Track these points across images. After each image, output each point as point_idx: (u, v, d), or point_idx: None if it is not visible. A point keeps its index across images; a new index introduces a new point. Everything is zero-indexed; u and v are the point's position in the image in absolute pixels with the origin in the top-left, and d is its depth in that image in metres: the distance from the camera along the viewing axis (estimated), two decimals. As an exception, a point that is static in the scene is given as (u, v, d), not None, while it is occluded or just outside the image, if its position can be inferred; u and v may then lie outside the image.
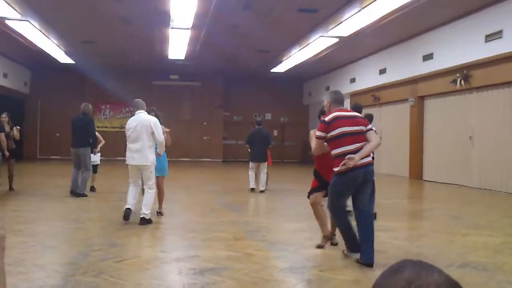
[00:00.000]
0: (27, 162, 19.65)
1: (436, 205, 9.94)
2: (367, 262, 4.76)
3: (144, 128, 6.88)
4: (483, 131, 12.19)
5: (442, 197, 11.33)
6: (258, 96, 23.98)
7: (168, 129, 7.80)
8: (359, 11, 11.20)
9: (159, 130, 6.97)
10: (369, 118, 8.11)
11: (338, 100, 5.12)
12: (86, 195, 9.60)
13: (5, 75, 18.92)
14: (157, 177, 7.31)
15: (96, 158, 10.39)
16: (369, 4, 10.66)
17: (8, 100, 19.23)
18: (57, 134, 21.90)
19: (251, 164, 11.20)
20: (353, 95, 19.25)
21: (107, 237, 6.16)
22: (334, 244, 5.53)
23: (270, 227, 6.97)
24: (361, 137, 4.86)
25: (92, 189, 10.25)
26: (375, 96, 17.29)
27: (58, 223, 7.06)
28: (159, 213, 7.61)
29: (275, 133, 24.02)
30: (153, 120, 7.02)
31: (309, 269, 4.74)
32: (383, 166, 17.13)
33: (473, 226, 7.24)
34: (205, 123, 23.99)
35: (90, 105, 10.25)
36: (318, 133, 4.92)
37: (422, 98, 14.93)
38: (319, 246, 5.47)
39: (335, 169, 4.83)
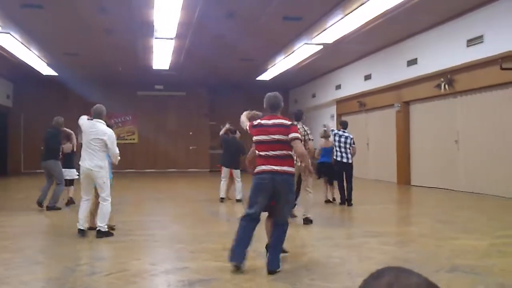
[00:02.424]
0: (11, 177, 19.38)
1: (424, 210, 9.99)
2: (271, 270, 4.80)
3: (98, 140, 6.68)
4: (468, 134, 12.30)
5: (430, 202, 11.38)
6: (244, 105, 23.47)
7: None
8: (343, 18, 11.27)
9: (114, 143, 6.78)
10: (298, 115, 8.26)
11: (271, 106, 5.15)
12: (60, 208, 9.45)
13: (-13, 89, 18.71)
14: None
15: (71, 173, 10.13)
16: (352, 11, 10.73)
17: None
18: (42, 148, 21.62)
19: (224, 170, 11.06)
20: (339, 101, 19.34)
21: (94, 251, 6.07)
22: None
23: (259, 236, 6.91)
24: (278, 145, 4.93)
25: (70, 201, 10.02)
26: (361, 102, 17.38)
27: (44, 238, 6.95)
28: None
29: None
30: (109, 132, 6.79)
31: (300, 277, 4.70)
32: (371, 172, 17.22)
33: (461, 230, 7.27)
34: (191, 133, 23.92)
35: (61, 119, 9.98)
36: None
37: (407, 103, 15.03)
38: None
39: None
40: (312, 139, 8.24)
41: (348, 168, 10.24)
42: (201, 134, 24.04)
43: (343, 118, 19.35)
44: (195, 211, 9.82)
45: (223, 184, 11.03)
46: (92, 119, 6.93)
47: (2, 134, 21.13)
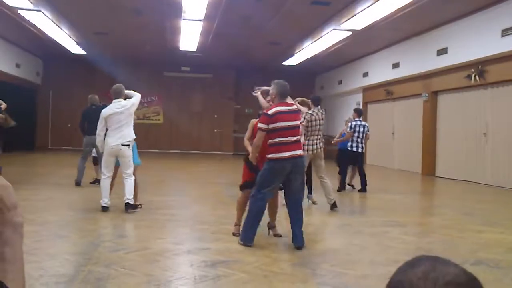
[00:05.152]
0: (38, 152, 19.80)
1: (448, 202, 9.87)
2: (297, 245, 5.13)
3: (125, 112, 7.03)
4: (497, 128, 12.03)
5: (454, 194, 11.23)
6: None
7: None
8: (373, 4, 11.08)
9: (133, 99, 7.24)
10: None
11: (283, 93, 5.34)
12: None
13: (17, 65, 19.02)
14: None
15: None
16: (384, -3, 10.55)
17: (20, 90, 19.35)
18: (69, 125, 22.01)
19: None
20: (366, 89, 19.13)
21: (117, 228, 6.19)
22: (278, 235, 5.71)
23: (280, 220, 6.94)
24: (298, 130, 5.33)
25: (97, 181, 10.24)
26: (388, 90, 17.15)
27: (68, 213, 7.09)
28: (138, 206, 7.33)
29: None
30: (128, 102, 7.22)
31: (320, 263, 4.71)
32: (395, 162, 17.06)
33: (486, 223, 7.16)
34: (216, 116, 23.97)
35: (95, 96, 10.45)
36: (260, 125, 5.23)
37: (435, 93, 14.77)
38: (234, 234, 5.63)
39: (268, 156, 5.18)
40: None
41: (361, 157, 10.40)
42: (226, 117, 24.08)
43: (367, 106, 19.17)
44: (218, 193, 9.89)
45: None
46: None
47: (31, 111, 21.52)
